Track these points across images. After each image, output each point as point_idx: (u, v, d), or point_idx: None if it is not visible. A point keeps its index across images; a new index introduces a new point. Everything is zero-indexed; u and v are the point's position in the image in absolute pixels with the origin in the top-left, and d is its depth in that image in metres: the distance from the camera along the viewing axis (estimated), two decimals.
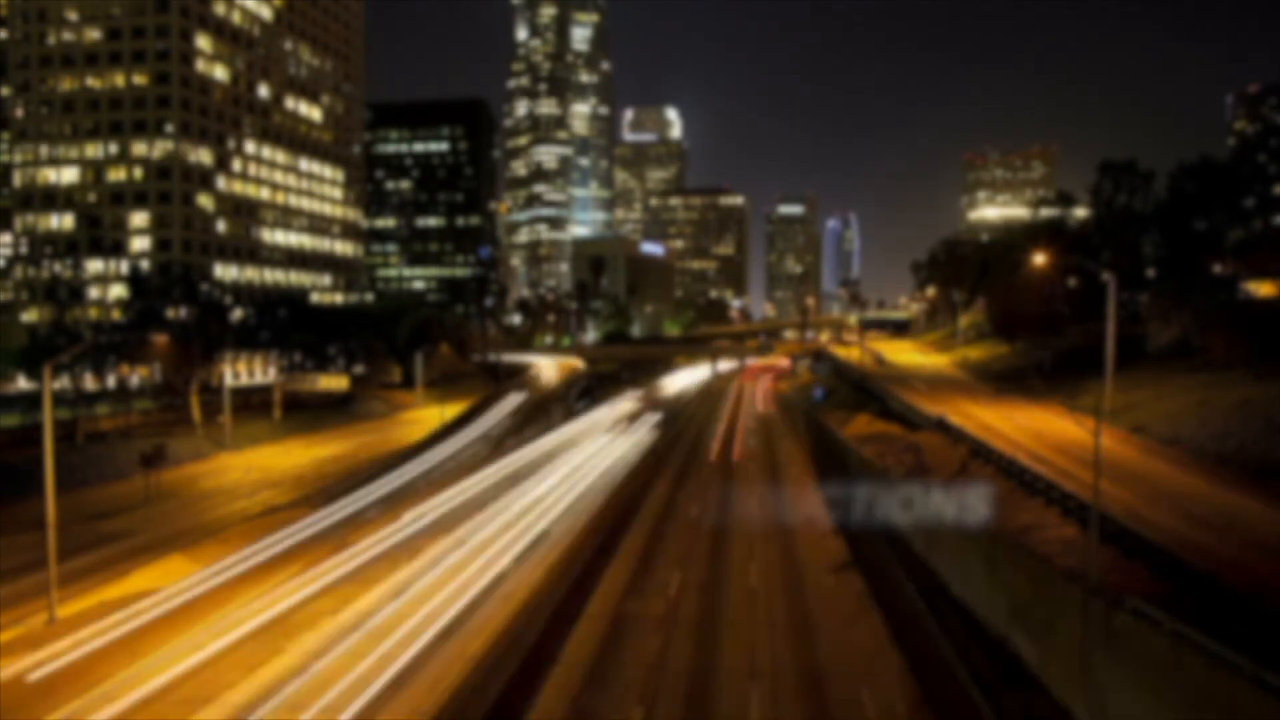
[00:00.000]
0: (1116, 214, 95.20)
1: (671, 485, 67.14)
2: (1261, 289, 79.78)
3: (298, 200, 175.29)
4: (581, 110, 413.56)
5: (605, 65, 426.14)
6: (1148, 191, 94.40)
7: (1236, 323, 64.28)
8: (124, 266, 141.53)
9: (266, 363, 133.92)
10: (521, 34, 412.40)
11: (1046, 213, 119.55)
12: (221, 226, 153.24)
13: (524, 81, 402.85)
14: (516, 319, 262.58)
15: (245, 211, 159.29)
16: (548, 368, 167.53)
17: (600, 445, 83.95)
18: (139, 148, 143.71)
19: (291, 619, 37.38)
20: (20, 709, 29.12)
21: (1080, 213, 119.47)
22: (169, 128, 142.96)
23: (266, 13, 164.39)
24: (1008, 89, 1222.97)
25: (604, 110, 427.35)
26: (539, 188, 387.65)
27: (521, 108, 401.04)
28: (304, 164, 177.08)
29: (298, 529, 53.83)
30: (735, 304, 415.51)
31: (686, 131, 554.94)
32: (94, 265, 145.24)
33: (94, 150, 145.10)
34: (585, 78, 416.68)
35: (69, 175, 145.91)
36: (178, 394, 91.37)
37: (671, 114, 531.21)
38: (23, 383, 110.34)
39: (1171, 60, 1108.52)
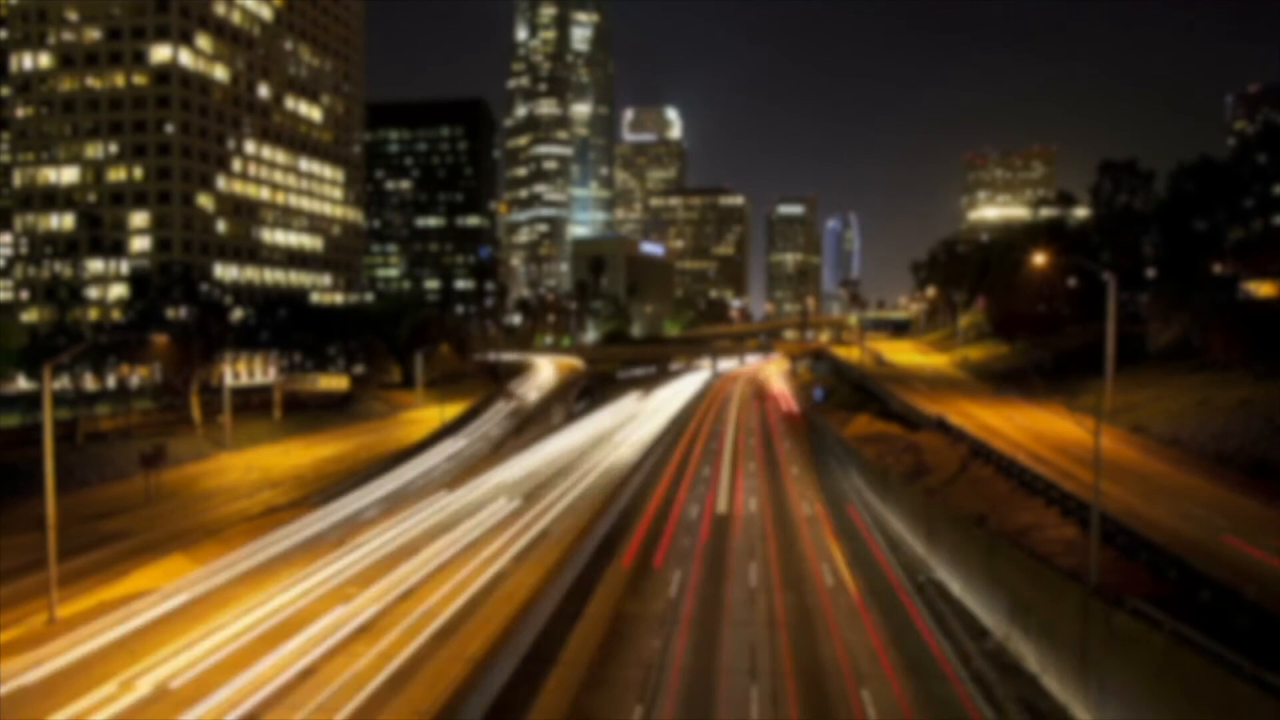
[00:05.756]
0: (1116, 214, 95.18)
1: None
2: (1261, 289, 79.74)
3: (298, 200, 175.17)
4: (581, 110, 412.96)
5: (605, 65, 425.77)
6: (1148, 191, 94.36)
7: (1236, 323, 64.27)
8: (124, 266, 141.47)
9: (266, 363, 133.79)
10: (521, 34, 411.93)
11: (1046, 213, 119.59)
12: (221, 226, 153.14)
13: (524, 81, 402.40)
14: (516, 319, 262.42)
15: (245, 211, 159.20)
16: (546, 367, 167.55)
17: None
18: (139, 148, 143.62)
19: (292, 618, 37.39)
20: (20, 708, 29.11)
21: (1080, 213, 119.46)
22: (169, 128, 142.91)
23: (266, 13, 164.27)
24: (1008, 88, 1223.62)
25: (604, 110, 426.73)
26: (539, 188, 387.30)
27: (521, 108, 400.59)
28: (304, 164, 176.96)
29: (297, 529, 53.88)
30: (735, 304, 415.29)
31: (686, 131, 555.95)
32: (94, 265, 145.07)
33: (94, 150, 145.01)
34: (585, 78, 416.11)
35: (69, 175, 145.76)
36: (178, 394, 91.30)
37: (671, 114, 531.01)
38: (23, 383, 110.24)
39: (1171, 60, 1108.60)
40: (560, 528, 52.59)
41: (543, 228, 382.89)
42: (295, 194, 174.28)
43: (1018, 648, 31.42)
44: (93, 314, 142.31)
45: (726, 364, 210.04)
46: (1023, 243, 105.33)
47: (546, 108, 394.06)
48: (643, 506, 59.27)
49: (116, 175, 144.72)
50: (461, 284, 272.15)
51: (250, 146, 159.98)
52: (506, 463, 78.78)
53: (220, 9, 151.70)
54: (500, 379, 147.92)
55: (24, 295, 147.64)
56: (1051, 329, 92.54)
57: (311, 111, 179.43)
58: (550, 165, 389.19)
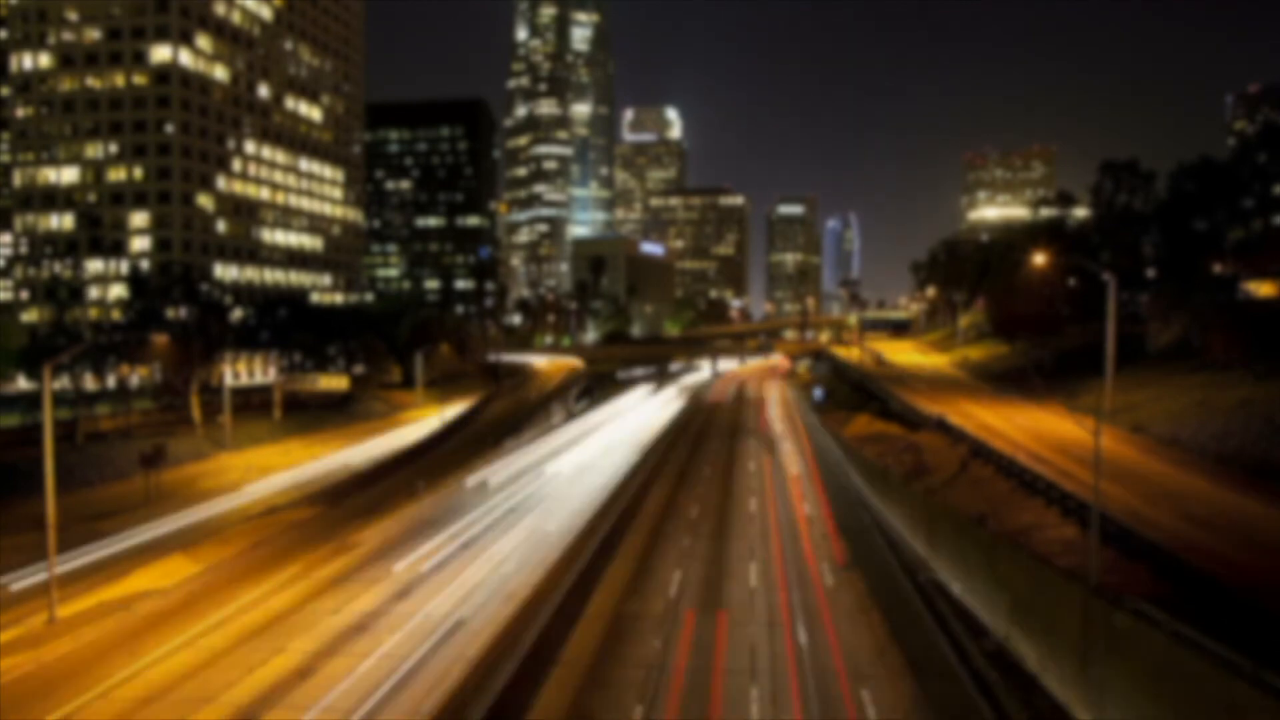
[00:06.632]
0: (1117, 214, 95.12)
1: None
2: (1261, 289, 79.76)
3: (298, 200, 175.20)
4: (581, 110, 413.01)
5: (605, 65, 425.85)
6: (1148, 191, 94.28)
7: (1236, 323, 64.26)
8: (124, 266, 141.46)
9: (266, 363, 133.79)
10: (521, 34, 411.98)
11: (1046, 213, 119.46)
12: (221, 226, 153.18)
13: (524, 81, 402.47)
14: (516, 319, 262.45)
15: (245, 211, 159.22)
16: (546, 367, 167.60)
17: None
18: (139, 148, 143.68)
19: (292, 618, 37.40)
20: (20, 708, 29.12)
21: (1080, 213, 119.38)
22: (169, 128, 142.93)
23: (266, 13, 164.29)
24: (1008, 88, 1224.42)
25: (604, 110, 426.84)
26: (539, 188, 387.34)
27: (521, 108, 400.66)
28: (304, 164, 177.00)
29: (297, 529, 53.85)
30: (735, 304, 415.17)
31: (686, 131, 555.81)
32: (94, 265, 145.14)
33: (94, 150, 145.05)
34: (585, 78, 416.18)
35: (69, 175, 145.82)
36: (178, 394, 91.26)
37: (671, 114, 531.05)
38: (23, 383, 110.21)
39: (1171, 60, 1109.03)
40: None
41: (543, 228, 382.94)
42: (295, 194, 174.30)
43: (1018, 648, 31.41)
44: (93, 314, 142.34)
45: (726, 364, 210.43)
46: (1023, 243, 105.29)
47: (546, 108, 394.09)
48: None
49: (116, 175, 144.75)
50: (461, 284, 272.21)
51: (250, 146, 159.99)
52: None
53: (220, 9, 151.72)
54: (500, 379, 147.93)
55: (24, 295, 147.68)
56: (1051, 329, 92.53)
57: (311, 111, 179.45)
58: (550, 165, 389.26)
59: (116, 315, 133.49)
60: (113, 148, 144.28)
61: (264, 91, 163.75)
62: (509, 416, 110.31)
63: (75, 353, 79.98)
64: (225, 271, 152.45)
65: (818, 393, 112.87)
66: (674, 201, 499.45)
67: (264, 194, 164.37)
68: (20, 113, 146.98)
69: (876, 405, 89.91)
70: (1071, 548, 34.92)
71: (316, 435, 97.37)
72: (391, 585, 41.91)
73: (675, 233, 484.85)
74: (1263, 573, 29.52)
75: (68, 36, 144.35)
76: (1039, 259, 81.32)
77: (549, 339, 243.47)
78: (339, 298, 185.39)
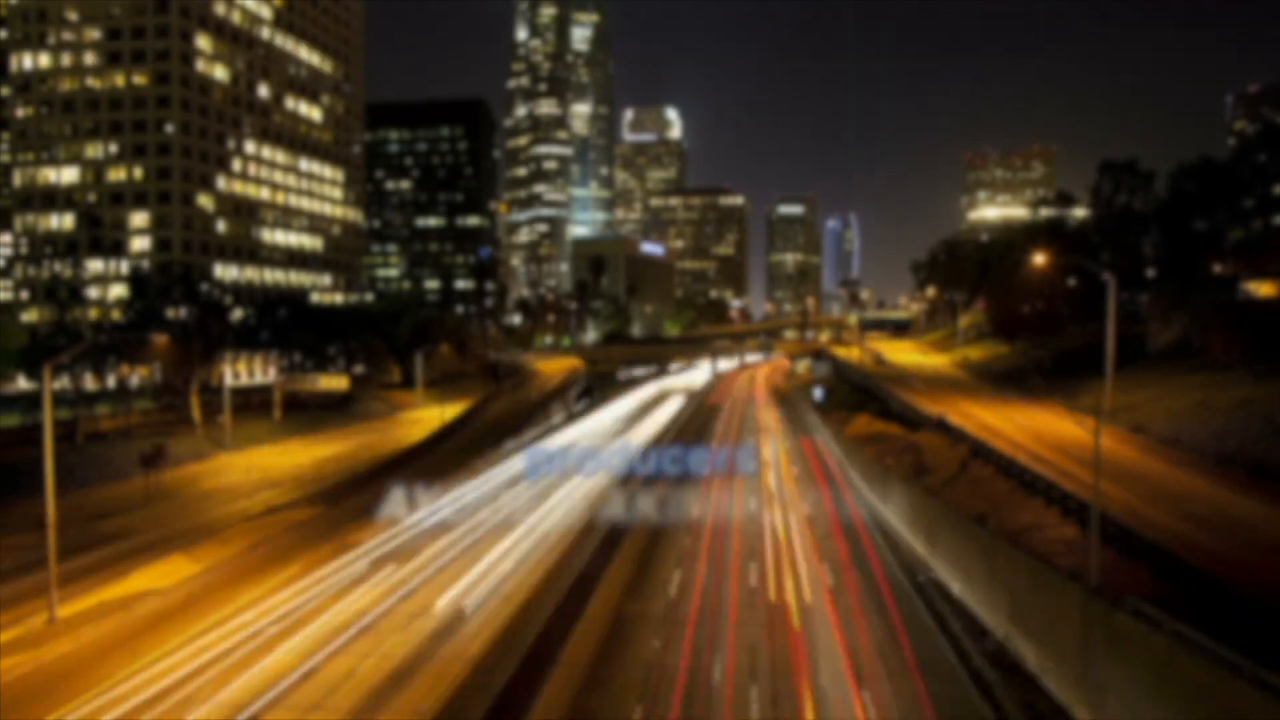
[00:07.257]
0: (1116, 214, 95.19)
1: None
2: (1261, 289, 79.74)
3: (298, 200, 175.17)
4: (581, 110, 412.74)
5: (605, 65, 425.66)
6: (1148, 191, 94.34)
7: (1236, 323, 64.27)
8: (124, 266, 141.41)
9: (266, 363, 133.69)
10: (521, 34, 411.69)
11: (1046, 213, 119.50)
12: (221, 226, 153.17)
13: (524, 81, 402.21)
14: (516, 319, 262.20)
15: (245, 211, 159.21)
16: (546, 367, 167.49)
17: None
18: (139, 148, 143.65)
19: (292, 618, 37.37)
20: (20, 708, 29.11)
21: (1080, 213, 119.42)
22: (169, 128, 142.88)
23: (266, 13, 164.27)
24: (1008, 88, 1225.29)
25: (604, 110, 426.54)
26: (539, 188, 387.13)
27: (521, 108, 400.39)
28: (304, 164, 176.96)
29: (297, 528, 53.83)
30: (735, 304, 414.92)
31: (686, 131, 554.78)
32: (94, 265, 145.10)
33: (94, 150, 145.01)
34: (585, 78, 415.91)
35: (69, 175, 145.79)
36: (178, 394, 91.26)
37: (671, 114, 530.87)
38: (23, 383, 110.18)
39: (1171, 60, 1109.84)
40: None
41: (543, 228, 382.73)
42: (295, 194, 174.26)
43: (1018, 648, 31.41)
44: (93, 314, 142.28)
45: (726, 364, 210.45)
46: (1022, 243, 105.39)
47: (546, 108, 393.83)
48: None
49: (116, 175, 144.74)
50: (461, 284, 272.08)
51: (250, 146, 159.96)
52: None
53: (220, 9, 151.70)
54: (500, 379, 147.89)
55: (24, 295, 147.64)
56: (1051, 329, 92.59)
57: (311, 111, 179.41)
58: (550, 165, 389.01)
59: (116, 315, 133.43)
60: (113, 148, 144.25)
61: (264, 91, 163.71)
62: (509, 416, 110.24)
63: (75, 353, 79.96)
64: (225, 271, 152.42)
65: (818, 392, 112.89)
66: (674, 201, 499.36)
67: (264, 194, 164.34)
68: (20, 113, 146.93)
69: (876, 405, 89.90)
70: (1072, 548, 34.93)
71: (317, 435, 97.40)
72: (391, 585, 41.89)
73: (675, 233, 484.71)
74: (1263, 572, 29.52)
75: (68, 36, 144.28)
76: (1039, 259, 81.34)
77: (549, 339, 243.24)
78: (339, 298, 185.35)
